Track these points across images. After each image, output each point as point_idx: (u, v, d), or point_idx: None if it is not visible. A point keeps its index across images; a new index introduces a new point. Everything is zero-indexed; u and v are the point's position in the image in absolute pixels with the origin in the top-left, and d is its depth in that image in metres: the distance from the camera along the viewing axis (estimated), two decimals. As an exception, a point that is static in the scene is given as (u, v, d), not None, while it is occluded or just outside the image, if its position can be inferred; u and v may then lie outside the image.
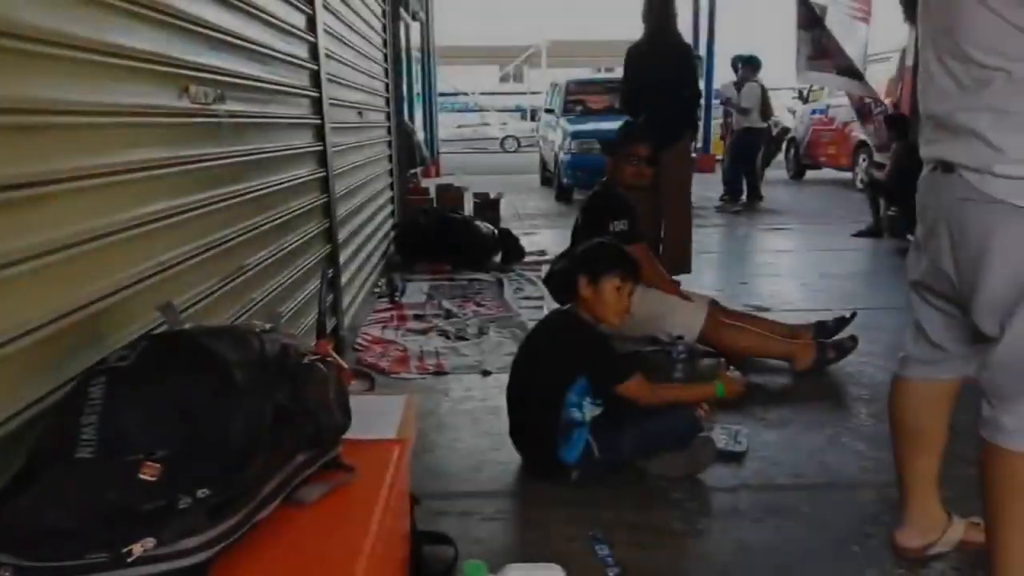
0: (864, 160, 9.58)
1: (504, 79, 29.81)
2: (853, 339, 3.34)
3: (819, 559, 1.98)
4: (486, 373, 3.34)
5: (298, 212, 2.98)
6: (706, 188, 10.77)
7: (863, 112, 8.42)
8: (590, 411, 2.39)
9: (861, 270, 5.56)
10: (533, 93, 25.45)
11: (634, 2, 4.87)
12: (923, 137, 1.67)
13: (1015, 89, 1.43)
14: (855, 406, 2.97)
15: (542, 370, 2.42)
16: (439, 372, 3.39)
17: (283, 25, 2.92)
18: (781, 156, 12.15)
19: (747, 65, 8.73)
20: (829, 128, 11.15)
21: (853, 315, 3.55)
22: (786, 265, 5.78)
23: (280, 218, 2.74)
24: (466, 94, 26.76)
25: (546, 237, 7.13)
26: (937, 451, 1.91)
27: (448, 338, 3.88)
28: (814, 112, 11.60)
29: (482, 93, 29.46)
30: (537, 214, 9.13)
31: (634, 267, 2.52)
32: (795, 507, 2.23)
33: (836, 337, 3.40)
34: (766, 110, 8.81)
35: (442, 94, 24.91)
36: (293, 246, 2.88)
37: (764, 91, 8.71)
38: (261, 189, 2.56)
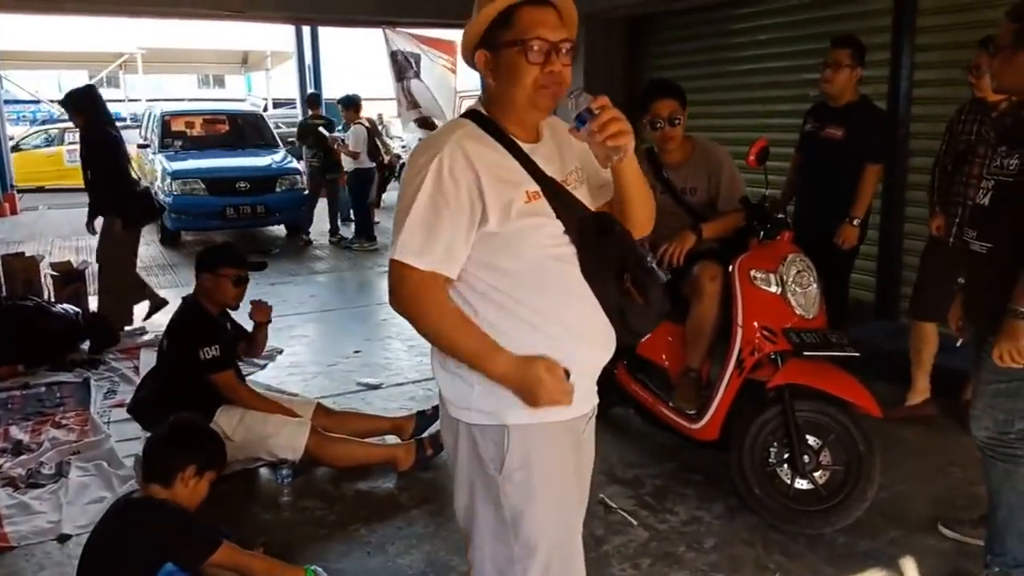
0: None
1: (97, 85, 26.55)
2: (449, 430, 3.57)
3: None
4: (64, 538, 2.93)
5: None
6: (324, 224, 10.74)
7: None
8: (176, 605, 2.23)
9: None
10: (132, 100, 23.15)
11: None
12: None
13: None
14: (451, 508, 3.17)
15: (118, 573, 2.19)
16: (0, 548, 2.89)
17: None
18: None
19: (348, 108, 8.85)
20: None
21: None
22: (398, 322, 5.97)
23: None
24: (39, 101, 23.24)
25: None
26: None
27: (17, 486, 3.32)
28: (421, 141, 12.29)
29: (71, 100, 25.83)
30: (138, 267, 8.29)
31: (215, 454, 2.42)
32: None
33: (435, 428, 3.61)
34: (374, 150, 9.03)
35: (14, 102, 21.41)
36: None
37: (371, 132, 8.91)
38: None
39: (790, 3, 5.81)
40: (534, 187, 1.57)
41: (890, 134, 4.62)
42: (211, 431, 2.52)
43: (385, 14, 7.67)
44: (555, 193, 1.59)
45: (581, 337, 1.62)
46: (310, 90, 12.95)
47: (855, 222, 3.91)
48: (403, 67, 7.98)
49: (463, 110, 1.75)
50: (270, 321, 3.73)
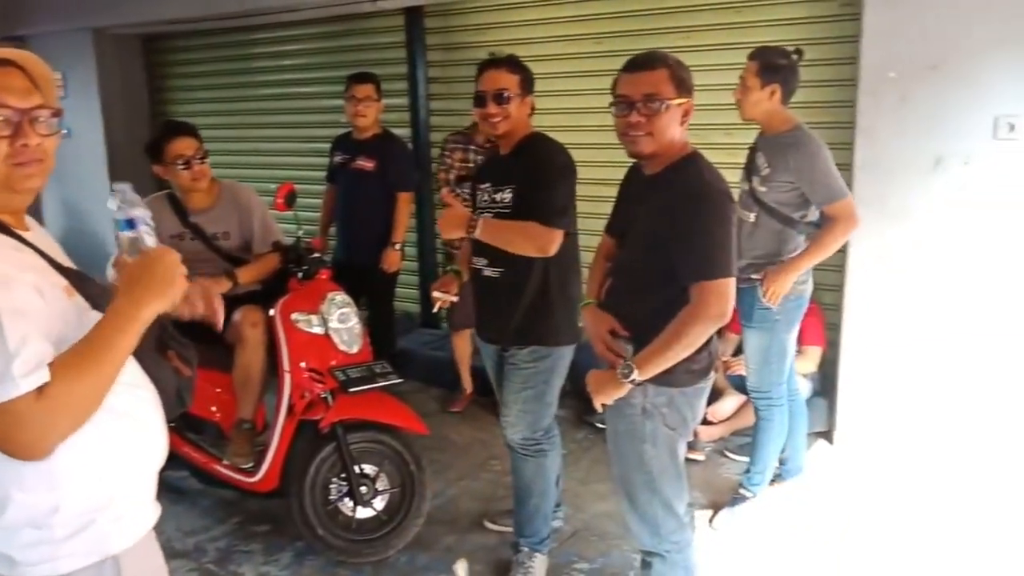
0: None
1: None
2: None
3: None
4: None
5: None
6: None
7: None
8: None
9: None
10: None
11: None
12: None
13: None
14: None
15: None
16: None
17: None
18: None
19: None
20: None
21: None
22: None
23: None
24: None
25: None
26: None
27: None
28: None
29: None
30: None
31: None
32: None
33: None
34: None
35: None
36: None
37: None
38: None
39: (308, 31, 5.90)
40: (63, 281, 1.35)
41: (418, 162, 5.01)
42: None
43: None
44: (82, 281, 1.39)
45: (152, 430, 1.47)
46: None
47: (396, 246, 4.18)
48: None
49: None
50: None
